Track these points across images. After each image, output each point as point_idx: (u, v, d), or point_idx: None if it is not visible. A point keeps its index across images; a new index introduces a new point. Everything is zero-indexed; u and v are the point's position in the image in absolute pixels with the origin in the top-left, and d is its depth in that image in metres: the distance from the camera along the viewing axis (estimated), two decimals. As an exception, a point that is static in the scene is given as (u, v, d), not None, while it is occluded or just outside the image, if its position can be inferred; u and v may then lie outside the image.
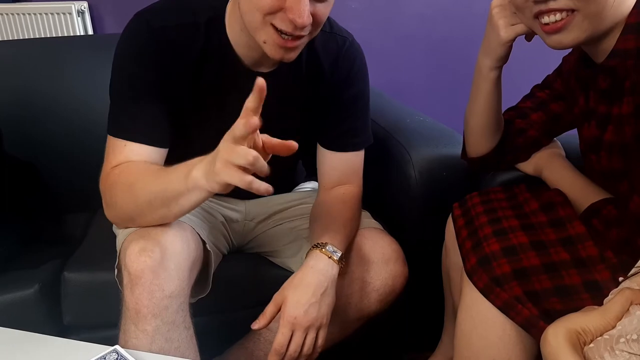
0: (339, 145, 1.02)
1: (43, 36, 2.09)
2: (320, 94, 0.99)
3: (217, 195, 1.04)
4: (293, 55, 0.84)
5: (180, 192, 0.77)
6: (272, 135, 0.93)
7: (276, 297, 0.87)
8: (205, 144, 0.79)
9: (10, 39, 2.14)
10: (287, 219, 1.10)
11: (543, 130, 0.99)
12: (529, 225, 0.80)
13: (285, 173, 1.15)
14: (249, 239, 1.13)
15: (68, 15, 2.02)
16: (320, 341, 0.88)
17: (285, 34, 0.79)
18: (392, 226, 1.08)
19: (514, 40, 0.86)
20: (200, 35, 0.89)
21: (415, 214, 1.10)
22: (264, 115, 0.90)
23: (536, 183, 0.97)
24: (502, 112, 1.00)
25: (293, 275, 0.89)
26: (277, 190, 1.15)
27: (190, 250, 0.86)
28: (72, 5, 2.01)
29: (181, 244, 0.84)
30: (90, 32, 2.08)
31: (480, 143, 1.00)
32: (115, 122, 0.89)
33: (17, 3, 2.15)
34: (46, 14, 2.07)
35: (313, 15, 0.79)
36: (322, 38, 0.95)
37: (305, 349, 0.86)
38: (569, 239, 0.77)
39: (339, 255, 0.90)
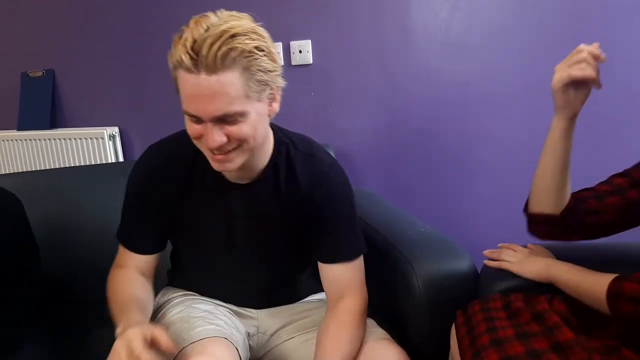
0: (331, 257, 1.09)
1: (77, 157, 2.29)
2: (302, 210, 1.07)
3: (232, 304, 1.18)
4: (230, 166, 0.95)
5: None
6: (260, 242, 1.11)
7: None
8: (201, 240, 1.10)
9: (48, 160, 2.35)
10: (298, 332, 1.16)
11: (618, 215, 0.99)
12: (523, 334, 0.86)
13: (290, 284, 1.23)
14: (262, 353, 1.18)
15: (100, 139, 2.22)
16: None
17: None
18: (398, 335, 1.13)
19: (563, 86, 0.93)
20: (189, 160, 1.05)
21: (420, 323, 1.15)
22: (246, 220, 1.08)
23: (532, 290, 1.03)
24: (578, 191, 1.04)
25: None
26: (286, 299, 1.23)
27: None
28: (104, 131, 2.22)
29: None
30: (121, 153, 2.27)
31: (543, 197, 1.03)
32: (120, 230, 1.13)
33: (54, 130, 2.37)
34: (80, 138, 2.28)
35: (228, 135, 0.90)
36: (302, 158, 1.07)
37: None
38: (559, 345, 0.83)
39: None
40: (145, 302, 1.03)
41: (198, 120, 0.89)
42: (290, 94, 1.95)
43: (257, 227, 1.09)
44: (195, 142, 0.95)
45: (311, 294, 1.26)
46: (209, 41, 0.83)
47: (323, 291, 1.26)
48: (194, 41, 0.83)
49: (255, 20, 0.91)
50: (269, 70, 0.89)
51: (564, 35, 1.63)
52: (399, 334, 1.17)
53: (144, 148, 2.24)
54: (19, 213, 1.13)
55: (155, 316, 1.18)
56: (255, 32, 0.88)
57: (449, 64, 1.77)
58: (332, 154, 1.72)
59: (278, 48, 1.94)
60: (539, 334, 0.86)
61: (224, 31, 0.83)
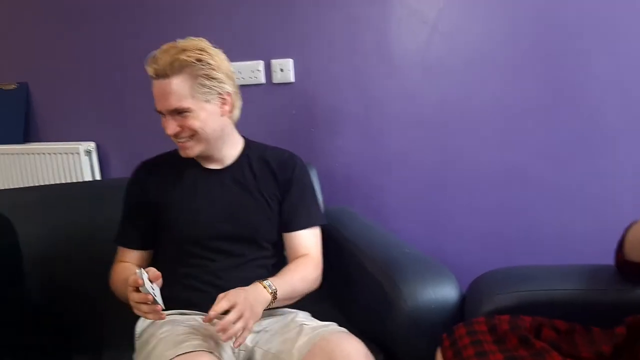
0: (301, 222, 1.32)
1: (53, 173, 2.24)
2: (274, 185, 1.32)
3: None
4: (189, 152, 1.26)
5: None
6: (241, 219, 1.29)
7: (223, 303, 1.04)
8: (176, 215, 1.28)
9: (23, 176, 2.29)
10: (269, 343, 1.20)
11: None
12: (513, 358, 0.89)
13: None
14: None
15: (76, 154, 2.18)
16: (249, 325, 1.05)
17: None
18: (384, 356, 1.15)
19: None
20: (171, 160, 1.34)
21: (406, 344, 1.18)
22: (232, 199, 1.30)
23: (517, 313, 1.06)
24: None
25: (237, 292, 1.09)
26: None
27: None
28: (80, 146, 2.18)
29: None
30: (97, 169, 2.23)
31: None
32: (117, 234, 1.34)
33: (27, 144, 2.32)
34: (55, 153, 2.23)
35: (181, 125, 1.21)
36: (270, 151, 1.38)
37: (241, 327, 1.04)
38: None
39: (273, 288, 1.15)
40: None
41: (162, 114, 1.22)
42: (271, 112, 1.98)
43: (238, 205, 1.29)
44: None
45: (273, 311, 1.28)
46: (161, 55, 1.18)
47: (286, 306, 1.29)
48: (155, 56, 1.19)
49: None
50: (212, 78, 1.20)
51: (540, 59, 1.69)
52: (384, 355, 1.18)
53: (121, 164, 2.26)
54: (12, 236, 1.11)
55: (141, 338, 1.21)
56: (200, 49, 1.20)
57: (428, 86, 1.80)
58: (314, 173, 1.74)
59: (259, 66, 1.95)
60: (528, 358, 0.88)
61: (173, 47, 1.19)
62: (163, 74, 1.18)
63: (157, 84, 1.19)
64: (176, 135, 1.22)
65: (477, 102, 1.77)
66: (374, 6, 1.80)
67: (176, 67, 1.17)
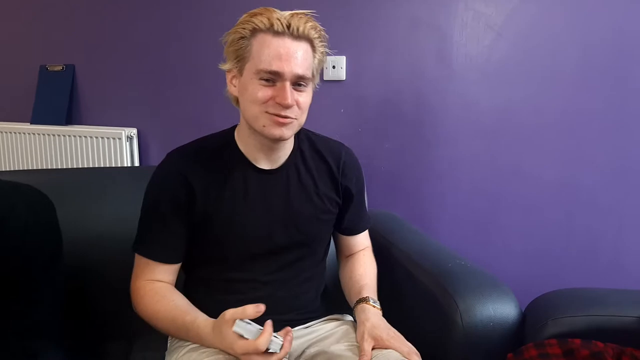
0: (358, 227, 1.26)
1: (93, 157, 2.22)
2: (337, 193, 1.18)
3: None
4: (287, 133, 1.03)
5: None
6: (303, 215, 1.14)
7: (366, 345, 1.03)
8: (225, 226, 1.08)
9: (63, 158, 2.28)
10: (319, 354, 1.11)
11: None
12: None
13: (306, 295, 1.18)
14: None
15: (118, 140, 2.16)
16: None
17: (277, 115, 1.01)
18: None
19: None
20: (214, 155, 1.11)
21: (461, 361, 1.09)
22: (282, 204, 1.12)
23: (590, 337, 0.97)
24: None
25: (360, 330, 1.08)
26: (302, 316, 1.17)
27: None
28: (123, 131, 2.16)
29: None
30: (137, 155, 2.20)
31: None
32: (139, 241, 1.10)
33: (69, 126, 2.31)
34: (97, 137, 2.21)
35: (296, 102, 1.01)
36: (321, 141, 1.21)
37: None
38: None
39: (378, 304, 1.14)
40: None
41: (273, 81, 1.00)
42: (318, 109, 1.91)
43: (296, 212, 1.13)
44: (258, 109, 1.01)
45: (322, 316, 1.21)
46: (298, 16, 0.99)
47: (331, 314, 1.22)
48: (281, 15, 0.99)
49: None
50: (323, 60, 1.06)
51: (609, 66, 1.59)
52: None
53: (160, 151, 2.22)
54: (52, 215, 1.05)
55: (173, 340, 1.14)
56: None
57: (488, 94, 1.72)
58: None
59: (311, 62, 1.90)
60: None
61: (302, 13, 1.01)
62: (299, 35, 0.99)
63: (286, 43, 0.98)
64: (288, 107, 1.00)
65: (539, 114, 1.68)
66: (438, 7, 1.74)
67: (314, 35, 1.01)
